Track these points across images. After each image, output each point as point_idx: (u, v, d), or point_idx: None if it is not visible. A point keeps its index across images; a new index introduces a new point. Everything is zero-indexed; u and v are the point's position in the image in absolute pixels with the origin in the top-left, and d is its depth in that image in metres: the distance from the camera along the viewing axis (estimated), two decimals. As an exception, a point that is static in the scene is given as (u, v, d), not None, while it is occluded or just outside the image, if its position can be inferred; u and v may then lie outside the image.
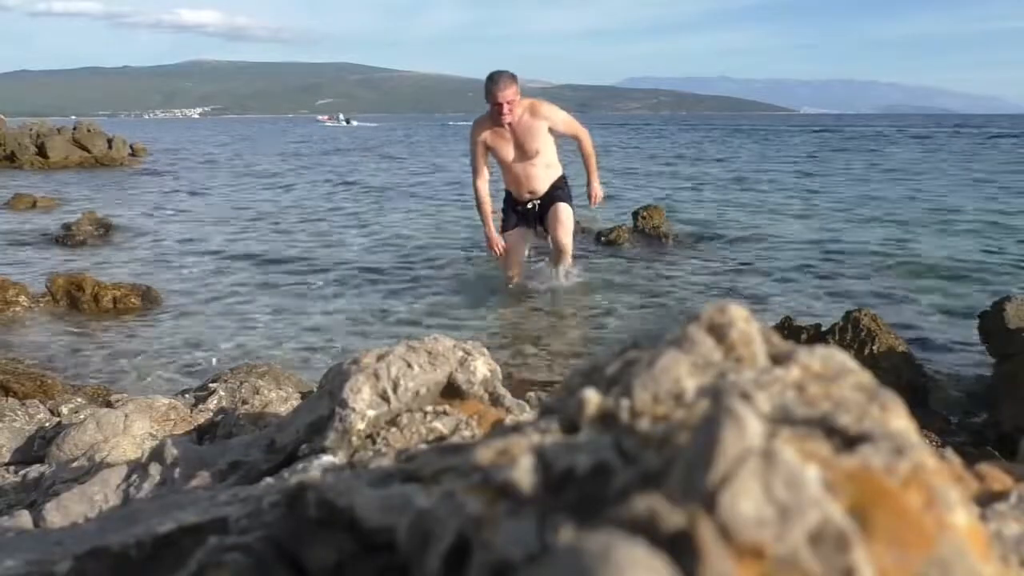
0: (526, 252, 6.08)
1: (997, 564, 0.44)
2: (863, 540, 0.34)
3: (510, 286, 5.94)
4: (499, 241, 5.61)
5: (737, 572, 0.32)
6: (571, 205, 5.69)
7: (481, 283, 6.44)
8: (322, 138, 48.95)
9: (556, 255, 5.85)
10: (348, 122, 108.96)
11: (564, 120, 5.47)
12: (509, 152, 5.43)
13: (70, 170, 21.50)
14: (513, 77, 5.16)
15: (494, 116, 5.24)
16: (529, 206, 5.69)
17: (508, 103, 5.11)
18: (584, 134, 5.58)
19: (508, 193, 5.81)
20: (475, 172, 5.60)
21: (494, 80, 5.13)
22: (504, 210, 5.87)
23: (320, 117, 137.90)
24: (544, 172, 5.56)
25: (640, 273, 6.90)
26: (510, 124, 5.27)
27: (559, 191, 5.64)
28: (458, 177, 17.16)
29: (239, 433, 1.69)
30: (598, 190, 5.89)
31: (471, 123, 5.67)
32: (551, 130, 5.53)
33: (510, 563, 0.36)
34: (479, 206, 5.63)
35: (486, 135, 5.44)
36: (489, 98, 5.14)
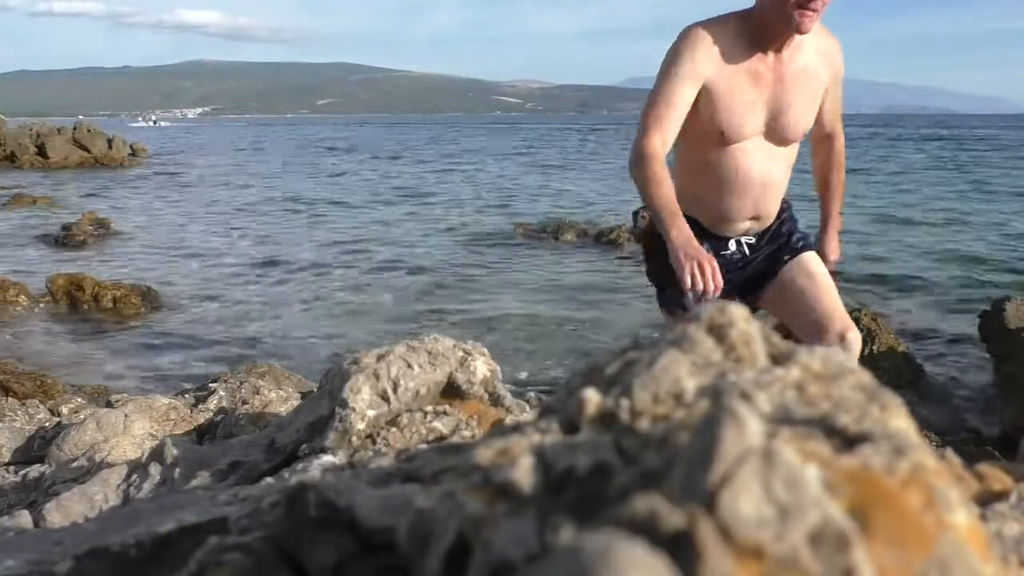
0: None
1: (997, 564, 0.44)
2: (863, 540, 0.34)
3: None
4: (712, 261, 2.10)
5: (737, 572, 0.32)
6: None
7: (477, 281, 6.44)
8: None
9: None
10: (156, 123, 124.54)
11: (838, 96, 2.51)
12: (752, 118, 2.29)
13: (70, 170, 21.52)
14: None
15: (772, 13, 2.15)
16: (732, 248, 2.49)
17: None
18: (841, 127, 2.66)
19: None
20: (654, 122, 2.26)
21: None
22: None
23: (141, 120, 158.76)
24: (786, 178, 2.54)
25: (641, 273, 6.90)
26: (781, 62, 2.26)
27: (791, 222, 2.59)
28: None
29: (239, 433, 1.69)
30: (836, 240, 2.78)
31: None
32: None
33: (510, 563, 0.36)
34: (650, 183, 2.21)
35: (718, 63, 2.24)
36: None
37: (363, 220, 11.10)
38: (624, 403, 0.47)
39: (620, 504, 0.36)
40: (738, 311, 0.55)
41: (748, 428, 0.37)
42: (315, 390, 1.24)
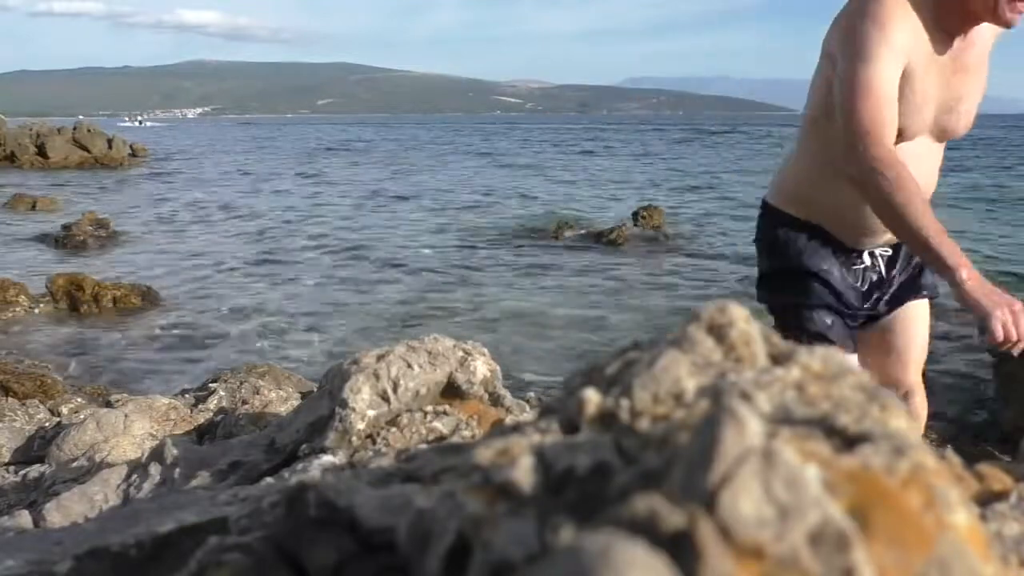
0: None
1: (997, 564, 0.44)
2: (863, 540, 0.34)
3: None
4: (1020, 306, 1.70)
5: (737, 572, 0.32)
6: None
7: (476, 281, 6.44)
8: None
9: None
10: (141, 123, 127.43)
11: None
12: (928, 111, 1.86)
13: (70, 170, 21.52)
14: None
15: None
16: (867, 262, 2.05)
17: None
18: None
19: (805, 223, 2.03)
20: (875, 119, 1.70)
21: None
22: (802, 273, 2.02)
23: (128, 119, 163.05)
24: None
25: (640, 273, 6.90)
26: (964, 50, 1.86)
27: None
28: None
29: (239, 433, 1.69)
30: None
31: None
32: None
33: (510, 563, 0.36)
34: (914, 204, 1.67)
35: (912, 44, 1.77)
36: None
37: (362, 220, 11.11)
38: (624, 403, 0.47)
39: (620, 504, 0.36)
40: (738, 311, 0.55)
41: (748, 428, 0.37)
42: (315, 390, 1.24)
